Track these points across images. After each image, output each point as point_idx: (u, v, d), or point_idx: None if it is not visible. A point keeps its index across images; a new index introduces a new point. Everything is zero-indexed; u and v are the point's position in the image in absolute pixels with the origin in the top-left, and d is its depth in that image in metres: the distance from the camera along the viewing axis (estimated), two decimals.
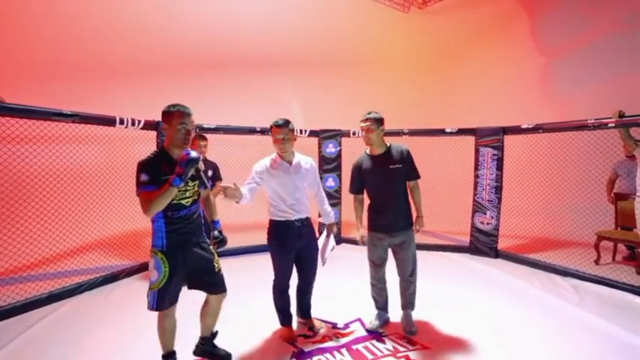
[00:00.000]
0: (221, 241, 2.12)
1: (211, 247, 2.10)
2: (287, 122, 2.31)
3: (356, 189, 2.65)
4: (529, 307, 3.06)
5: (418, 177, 2.57)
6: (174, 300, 1.94)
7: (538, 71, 6.37)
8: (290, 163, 2.37)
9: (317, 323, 2.69)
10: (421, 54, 8.06)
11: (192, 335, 2.28)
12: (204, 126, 4.25)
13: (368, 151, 2.59)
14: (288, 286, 2.47)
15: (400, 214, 2.51)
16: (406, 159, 2.50)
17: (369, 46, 7.71)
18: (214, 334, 2.24)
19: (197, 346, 2.23)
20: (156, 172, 1.77)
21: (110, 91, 5.22)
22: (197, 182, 2.00)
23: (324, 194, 2.63)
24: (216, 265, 2.06)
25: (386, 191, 2.52)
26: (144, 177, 1.75)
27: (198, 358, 2.22)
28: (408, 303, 2.66)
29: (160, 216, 1.86)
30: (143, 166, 1.78)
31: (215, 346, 2.24)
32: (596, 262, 4.09)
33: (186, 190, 1.92)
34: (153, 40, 5.80)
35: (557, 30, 6.11)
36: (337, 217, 5.20)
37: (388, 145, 2.55)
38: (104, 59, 5.41)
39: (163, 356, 2.03)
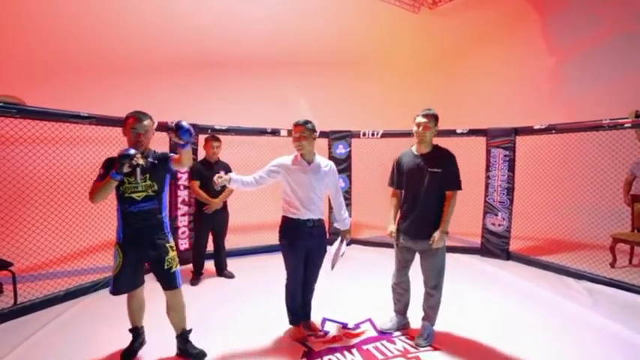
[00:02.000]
0: (178, 125, 1.91)
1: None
2: (306, 122, 2.37)
3: (395, 183, 2.59)
4: (541, 309, 3.03)
5: (458, 188, 2.37)
6: (131, 286, 2.18)
7: (548, 71, 6.28)
8: (309, 162, 2.40)
9: (316, 327, 2.67)
10: (430, 54, 8.01)
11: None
12: (216, 127, 4.30)
13: (414, 149, 2.49)
14: (299, 287, 2.49)
15: (427, 220, 2.37)
16: (449, 165, 2.35)
17: (379, 47, 7.69)
18: (185, 332, 2.26)
19: (176, 347, 2.28)
20: (109, 168, 1.98)
21: (118, 92, 5.28)
22: (148, 176, 2.07)
23: (342, 200, 2.61)
24: (167, 264, 2.13)
25: (419, 193, 2.39)
26: (101, 170, 2.03)
27: (175, 357, 2.27)
28: (425, 315, 2.54)
29: (119, 209, 2.08)
30: (104, 162, 2.06)
31: (187, 345, 2.25)
32: (612, 264, 4.01)
33: (138, 184, 2.05)
34: (160, 40, 5.85)
35: (567, 30, 6.01)
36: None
37: (434, 145, 2.44)
38: (109, 59, 5.44)
39: (130, 330, 2.32)
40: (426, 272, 2.47)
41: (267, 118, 5.32)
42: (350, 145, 5.20)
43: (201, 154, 3.83)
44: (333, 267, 2.54)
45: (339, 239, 2.63)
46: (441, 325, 2.63)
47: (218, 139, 3.72)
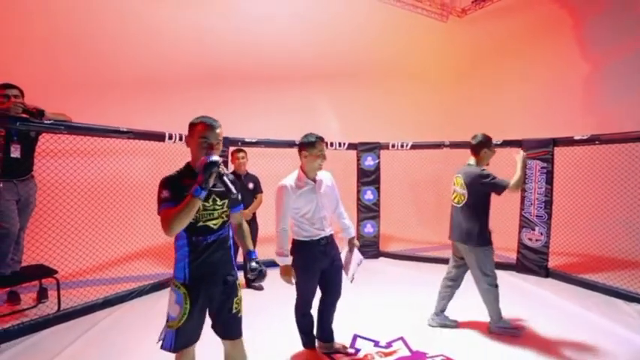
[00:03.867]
0: (259, 272, 1.78)
1: (249, 277, 1.80)
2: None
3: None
4: (589, 335, 2.81)
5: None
6: (194, 339, 1.68)
7: (582, 80, 5.98)
8: (314, 180, 2.31)
9: (340, 346, 2.54)
10: (460, 63, 7.86)
11: None
12: (246, 140, 4.40)
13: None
14: (310, 307, 2.40)
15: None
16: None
17: (407, 58, 7.64)
18: None
19: None
20: (178, 189, 1.57)
21: (145, 106, 5.49)
22: (226, 202, 1.71)
23: (342, 209, 2.56)
24: (235, 307, 1.74)
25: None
26: (164, 193, 1.57)
27: None
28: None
29: (184, 243, 1.64)
30: (164, 183, 1.60)
31: None
32: None
33: (214, 210, 1.65)
34: (189, 55, 6.06)
35: (605, 36, 5.71)
36: (375, 230, 5.13)
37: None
38: (136, 74, 5.67)
39: None
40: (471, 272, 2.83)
41: (296, 130, 5.39)
42: (379, 157, 5.15)
43: (232, 167, 3.91)
44: (351, 279, 2.46)
45: (348, 249, 2.54)
46: (479, 348, 2.50)
47: (243, 151, 3.79)
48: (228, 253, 1.75)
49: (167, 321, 1.64)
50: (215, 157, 1.51)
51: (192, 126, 1.66)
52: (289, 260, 2.27)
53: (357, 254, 2.55)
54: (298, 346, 2.55)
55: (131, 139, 3.55)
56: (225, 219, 1.72)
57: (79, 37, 5.28)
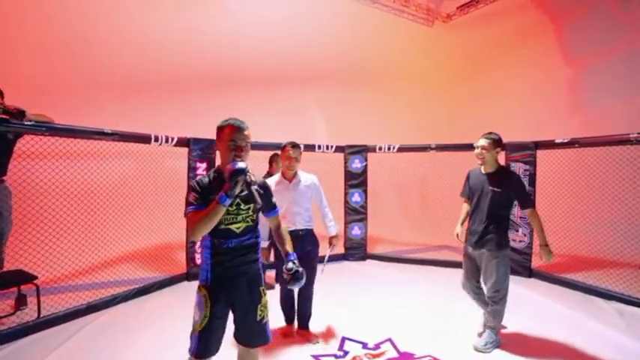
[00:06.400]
0: (295, 273, 1.71)
1: (285, 277, 1.74)
2: (299, 145, 2.69)
3: (465, 194, 2.87)
4: (570, 333, 2.89)
5: (530, 206, 2.61)
6: (215, 348, 1.64)
7: (565, 83, 6.18)
8: (290, 180, 2.71)
9: (313, 337, 2.75)
10: (445, 68, 8.01)
11: None
12: None
13: (482, 168, 2.72)
14: (292, 292, 2.76)
15: (485, 234, 2.57)
16: (512, 186, 2.56)
17: (393, 61, 7.74)
18: None
19: None
20: (206, 192, 1.58)
21: (135, 109, 5.41)
22: (251, 206, 1.68)
23: (327, 210, 2.90)
24: (260, 313, 1.70)
25: (480, 208, 2.63)
26: (191, 197, 1.59)
27: None
28: (486, 322, 2.67)
29: (207, 245, 1.65)
30: (193, 186, 1.62)
31: None
32: None
33: (238, 214, 1.65)
34: (178, 57, 6.01)
35: (585, 41, 5.93)
36: (363, 233, 5.16)
37: (498, 166, 2.65)
38: (125, 77, 5.59)
39: None
40: (485, 280, 2.64)
41: (285, 132, 5.39)
42: (366, 160, 5.18)
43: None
44: (321, 271, 2.81)
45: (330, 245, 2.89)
46: (464, 347, 2.54)
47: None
48: (254, 259, 1.73)
49: (192, 326, 1.66)
50: (241, 164, 1.49)
51: (220, 129, 1.65)
52: (265, 244, 2.68)
53: (328, 251, 2.89)
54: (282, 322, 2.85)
55: (116, 141, 3.48)
56: (251, 223, 1.70)
57: (73, 40, 5.24)
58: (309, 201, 2.78)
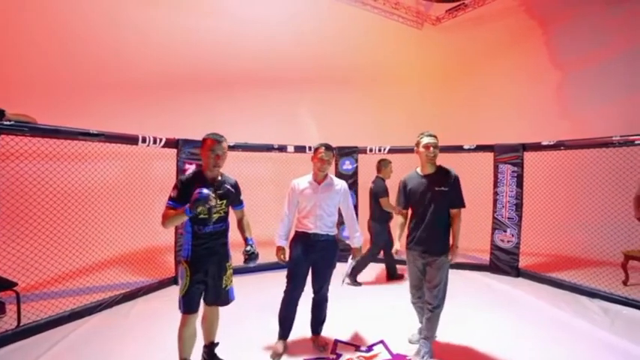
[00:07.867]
0: (251, 254, 2.24)
1: (244, 257, 2.26)
2: (332, 147, 2.60)
3: (402, 204, 2.63)
4: (557, 330, 2.95)
5: (462, 206, 2.48)
6: (195, 307, 2.12)
7: (554, 87, 6.32)
8: (319, 182, 2.58)
9: (323, 343, 2.67)
10: (435, 70, 8.09)
11: None
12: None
13: (419, 170, 2.57)
14: (296, 297, 2.56)
15: (437, 238, 2.43)
16: (453, 184, 2.45)
17: (383, 63, 7.77)
18: (213, 344, 2.35)
19: (202, 356, 2.36)
20: (185, 189, 2.03)
21: (126, 109, 5.33)
22: (225, 201, 2.17)
23: (353, 220, 2.71)
24: (225, 281, 2.22)
25: (427, 212, 2.44)
26: (173, 192, 2.07)
27: None
28: (424, 330, 2.51)
29: (189, 230, 2.12)
30: (178, 183, 2.10)
31: (214, 357, 2.35)
32: (625, 282, 3.95)
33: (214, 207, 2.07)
34: (168, 58, 5.92)
35: (573, 44, 6.07)
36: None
37: (437, 166, 2.52)
38: (118, 77, 5.51)
39: None
40: (428, 287, 2.46)
41: (272, 134, 5.34)
42: (357, 161, 5.19)
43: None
44: (342, 282, 2.92)
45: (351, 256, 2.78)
46: (453, 345, 2.56)
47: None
48: (224, 242, 2.23)
49: (179, 290, 2.13)
50: (205, 192, 1.91)
51: (203, 141, 2.15)
52: (282, 243, 2.64)
53: (349, 263, 2.88)
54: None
55: (102, 142, 3.38)
56: (223, 214, 2.19)
57: (71, 40, 5.17)
58: (336, 207, 2.61)
